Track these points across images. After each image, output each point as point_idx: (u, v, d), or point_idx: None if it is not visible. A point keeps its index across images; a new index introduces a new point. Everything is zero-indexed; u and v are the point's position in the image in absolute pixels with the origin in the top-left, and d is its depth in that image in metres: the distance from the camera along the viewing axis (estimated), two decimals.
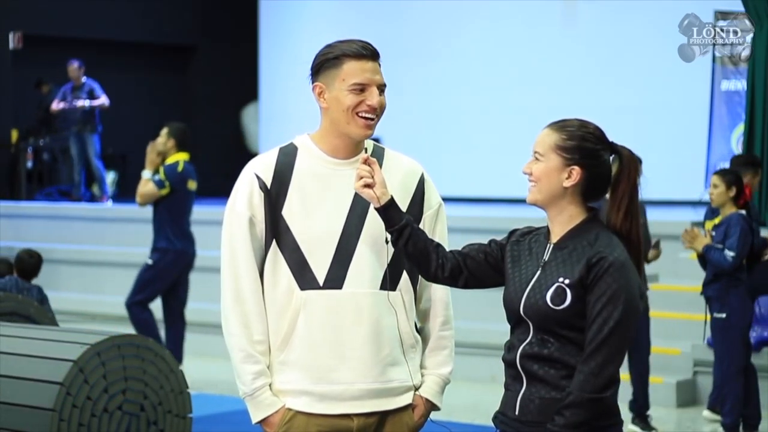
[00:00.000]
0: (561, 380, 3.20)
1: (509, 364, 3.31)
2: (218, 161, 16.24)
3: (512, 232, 3.43)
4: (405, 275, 3.52)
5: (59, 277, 12.53)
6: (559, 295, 3.20)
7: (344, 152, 3.50)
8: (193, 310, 9.70)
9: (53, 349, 5.21)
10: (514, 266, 3.34)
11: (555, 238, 3.30)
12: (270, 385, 3.48)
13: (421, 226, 3.54)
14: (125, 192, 16.21)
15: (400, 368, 3.51)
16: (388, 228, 3.38)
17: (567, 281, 3.20)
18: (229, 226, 3.49)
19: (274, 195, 3.46)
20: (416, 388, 3.57)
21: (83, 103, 14.73)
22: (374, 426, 3.50)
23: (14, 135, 16.35)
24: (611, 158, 3.30)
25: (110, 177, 16.09)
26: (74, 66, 14.76)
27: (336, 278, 3.43)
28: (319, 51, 3.51)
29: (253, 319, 3.47)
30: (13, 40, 16.14)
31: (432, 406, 3.60)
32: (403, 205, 3.49)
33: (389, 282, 3.47)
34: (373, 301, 3.45)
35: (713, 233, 7.35)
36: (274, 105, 16.64)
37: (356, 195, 3.45)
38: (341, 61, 3.42)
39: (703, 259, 7.40)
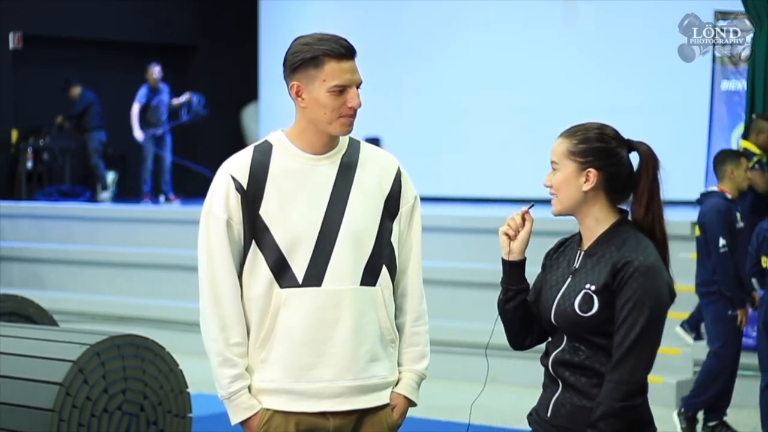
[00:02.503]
0: (592, 388, 3.20)
1: (545, 367, 3.33)
2: (218, 161, 16.17)
3: (546, 256, 3.42)
4: (384, 270, 3.49)
5: (59, 277, 12.53)
6: (587, 302, 3.19)
7: (322, 148, 3.47)
8: (193, 310, 9.68)
9: (53, 350, 5.21)
10: (547, 276, 3.35)
11: (585, 244, 3.30)
12: (249, 387, 3.47)
13: (398, 220, 3.53)
14: (125, 192, 16.21)
15: (380, 364, 3.49)
16: (507, 284, 3.37)
17: (593, 287, 3.19)
18: (206, 229, 3.46)
19: (251, 195, 3.42)
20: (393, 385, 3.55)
21: (187, 98, 15.33)
22: (351, 426, 3.48)
23: (14, 135, 16.34)
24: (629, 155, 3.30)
25: (110, 177, 16.10)
26: (155, 70, 15.01)
27: (316, 275, 3.40)
28: (291, 47, 3.44)
29: (231, 323, 3.45)
30: (13, 40, 16.12)
31: (410, 403, 3.58)
32: (381, 200, 3.48)
33: (369, 277, 3.45)
34: (353, 297, 3.43)
35: None
36: (274, 105, 16.61)
37: (334, 190, 3.45)
38: (321, 62, 3.37)
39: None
